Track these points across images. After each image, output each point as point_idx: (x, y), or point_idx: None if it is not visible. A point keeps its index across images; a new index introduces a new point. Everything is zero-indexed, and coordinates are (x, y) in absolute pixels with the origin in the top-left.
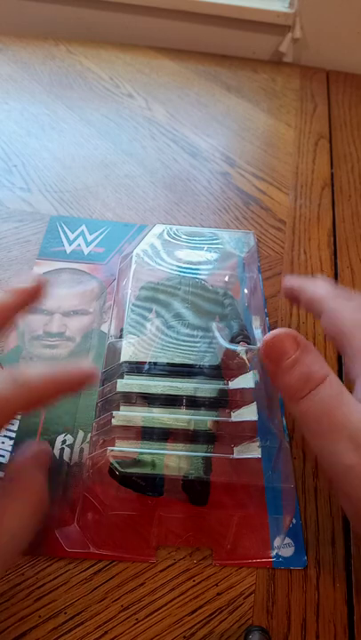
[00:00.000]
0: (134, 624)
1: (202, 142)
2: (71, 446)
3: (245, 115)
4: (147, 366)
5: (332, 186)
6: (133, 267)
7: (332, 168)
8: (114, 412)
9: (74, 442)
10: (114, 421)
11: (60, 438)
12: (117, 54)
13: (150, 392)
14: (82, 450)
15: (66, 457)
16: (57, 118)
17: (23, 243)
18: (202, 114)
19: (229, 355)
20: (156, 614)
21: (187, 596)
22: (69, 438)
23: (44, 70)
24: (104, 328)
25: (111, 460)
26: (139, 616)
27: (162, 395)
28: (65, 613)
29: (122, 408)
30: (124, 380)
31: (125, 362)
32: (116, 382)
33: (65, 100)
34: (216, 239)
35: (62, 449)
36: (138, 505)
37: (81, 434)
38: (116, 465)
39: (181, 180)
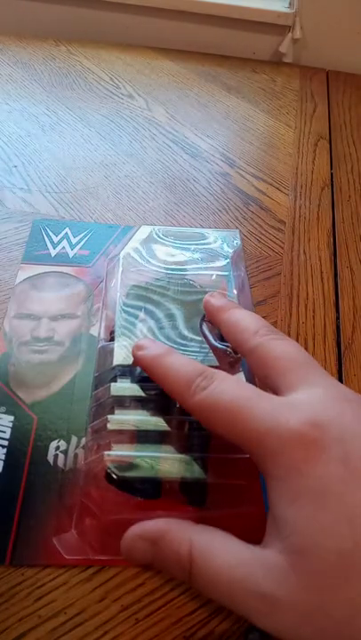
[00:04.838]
0: (134, 624)
1: (202, 143)
2: (65, 452)
3: (245, 115)
4: (139, 369)
5: (332, 186)
6: (121, 268)
7: (331, 168)
8: (108, 417)
9: (67, 448)
10: (109, 426)
11: (53, 444)
12: (117, 54)
13: (144, 395)
14: (76, 455)
15: (60, 463)
16: (57, 119)
17: (23, 243)
18: (202, 114)
19: (220, 354)
20: (156, 614)
21: (187, 596)
22: (63, 444)
23: (44, 71)
24: (93, 331)
25: (108, 464)
26: (139, 616)
27: (155, 397)
28: (65, 613)
29: (116, 412)
30: (117, 384)
31: (118, 365)
32: (109, 386)
33: (65, 101)
34: (202, 239)
35: (56, 455)
36: (136, 509)
37: (74, 439)
38: (113, 469)
39: (181, 181)
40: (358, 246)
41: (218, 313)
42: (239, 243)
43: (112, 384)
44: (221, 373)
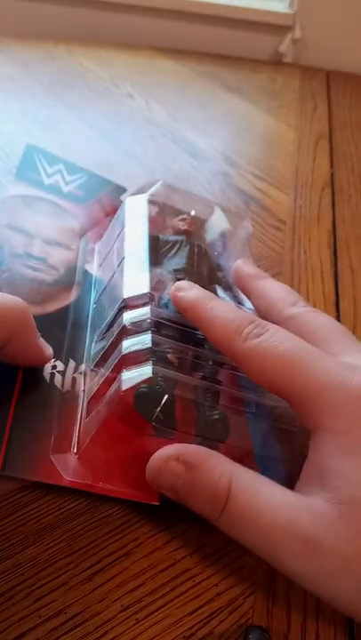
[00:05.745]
0: (134, 624)
1: (202, 142)
2: (62, 373)
3: (245, 115)
4: (166, 298)
5: (332, 186)
6: (147, 213)
7: (332, 168)
8: (124, 342)
9: (65, 369)
10: (127, 348)
11: (49, 363)
12: (117, 54)
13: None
14: (74, 379)
15: (57, 383)
16: (57, 119)
17: None
18: (202, 114)
19: None
20: (156, 614)
21: (187, 596)
22: (60, 365)
23: (44, 70)
24: (88, 268)
25: (142, 383)
26: (139, 616)
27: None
28: (65, 613)
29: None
30: (150, 308)
31: (147, 292)
32: (122, 316)
33: (65, 101)
34: (216, 213)
35: (52, 374)
36: (148, 441)
37: (72, 363)
38: (145, 391)
39: (181, 181)
40: (359, 246)
41: (250, 279)
42: (250, 229)
43: (145, 307)
44: (274, 325)
